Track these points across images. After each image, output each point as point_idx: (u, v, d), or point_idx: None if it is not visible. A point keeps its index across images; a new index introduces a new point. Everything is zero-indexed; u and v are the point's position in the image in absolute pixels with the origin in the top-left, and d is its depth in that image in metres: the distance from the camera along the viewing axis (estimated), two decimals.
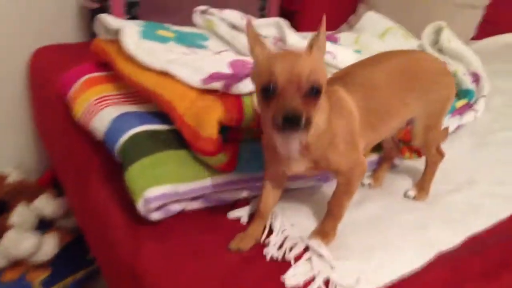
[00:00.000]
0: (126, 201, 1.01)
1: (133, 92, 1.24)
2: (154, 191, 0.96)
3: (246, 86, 1.01)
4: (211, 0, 1.59)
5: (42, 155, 1.98)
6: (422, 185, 1.14)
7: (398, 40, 1.70)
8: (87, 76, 1.32)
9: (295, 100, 0.78)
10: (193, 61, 1.13)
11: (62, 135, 1.47)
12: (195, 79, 1.04)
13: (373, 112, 0.97)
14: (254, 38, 0.85)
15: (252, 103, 1.02)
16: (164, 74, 1.09)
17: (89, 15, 1.83)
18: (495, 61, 1.79)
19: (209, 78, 1.03)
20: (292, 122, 0.77)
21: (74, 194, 1.36)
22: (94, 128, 1.16)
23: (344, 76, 1.00)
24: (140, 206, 0.96)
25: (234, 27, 1.42)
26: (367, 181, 1.17)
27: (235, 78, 1.00)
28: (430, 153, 1.13)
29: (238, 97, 1.01)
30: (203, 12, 1.47)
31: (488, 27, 2.01)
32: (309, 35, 0.99)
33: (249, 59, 1.12)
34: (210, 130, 0.96)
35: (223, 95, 1.01)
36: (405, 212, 1.06)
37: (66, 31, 1.91)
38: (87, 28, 1.90)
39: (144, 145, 1.02)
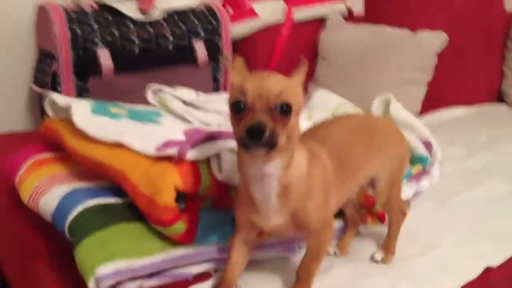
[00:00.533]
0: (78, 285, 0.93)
1: (83, 171, 1.19)
2: (106, 269, 0.89)
3: (202, 151, 0.98)
4: (164, 83, 1.60)
5: None
6: (388, 246, 1.13)
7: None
8: (35, 158, 1.27)
9: (261, 114, 0.77)
10: (147, 131, 1.10)
11: (4, 228, 1.38)
12: (149, 147, 1.01)
13: (342, 166, 0.98)
14: (235, 67, 0.87)
15: (209, 169, 0.99)
16: (116, 145, 1.06)
17: (38, 102, 1.79)
18: (442, 132, 1.84)
19: (163, 146, 1.00)
20: (253, 132, 0.76)
21: (18, 284, 1.26)
22: (42, 209, 1.09)
23: (312, 134, 1.00)
24: (91, 286, 0.88)
25: (187, 104, 1.42)
26: (332, 250, 1.13)
27: (190, 143, 0.97)
28: (393, 211, 1.13)
29: (194, 163, 0.98)
30: (156, 91, 1.47)
31: (431, 103, 2.10)
32: None
33: (203, 128, 1.11)
34: (166, 196, 0.92)
35: (178, 161, 0.98)
36: (373, 275, 1.04)
37: (14, 118, 1.86)
38: (36, 115, 1.86)
39: (95, 219, 0.97)
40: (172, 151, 0.97)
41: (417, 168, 1.42)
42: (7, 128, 1.82)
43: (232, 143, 1.01)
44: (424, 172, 1.42)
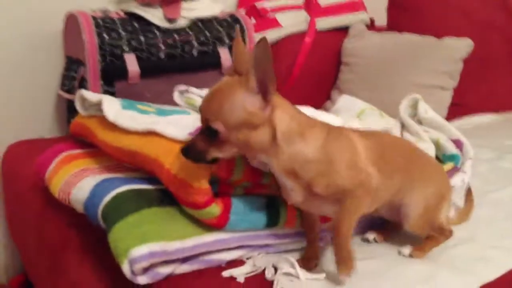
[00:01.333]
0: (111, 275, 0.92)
1: (115, 164, 1.18)
2: (140, 250, 0.88)
3: None
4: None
5: (15, 257, 1.84)
6: (423, 247, 1.08)
7: (375, 119, 1.73)
8: (64, 154, 1.27)
9: (197, 135, 0.89)
10: (178, 119, 1.10)
11: (34, 229, 1.38)
12: (182, 133, 1.00)
13: (382, 160, 0.98)
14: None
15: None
16: (149, 134, 1.06)
17: (65, 109, 1.81)
18: (470, 137, 1.81)
19: (196, 131, 0.99)
20: (181, 153, 0.89)
21: (47, 281, 1.25)
22: (74, 199, 1.09)
23: (360, 131, 1.02)
24: (125, 267, 0.87)
25: None
26: (372, 236, 1.11)
27: None
28: (425, 233, 1.09)
29: None
30: (183, 92, 1.47)
31: (457, 109, 2.08)
32: None
33: None
34: (200, 178, 0.91)
35: None
36: (412, 263, 1.02)
37: (41, 126, 1.88)
38: (63, 123, 1.88)
39: (129, 203, 0.96)
40: None
41: (449, 166, 1.40)
42: (34, 136, 1.84)
43: None
44: (456, 170, 1.40)
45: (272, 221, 1.01)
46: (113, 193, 0.99)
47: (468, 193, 1.28)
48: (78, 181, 1.11)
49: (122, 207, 0.95)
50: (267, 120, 0.87)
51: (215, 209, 0.94)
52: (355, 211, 0.94)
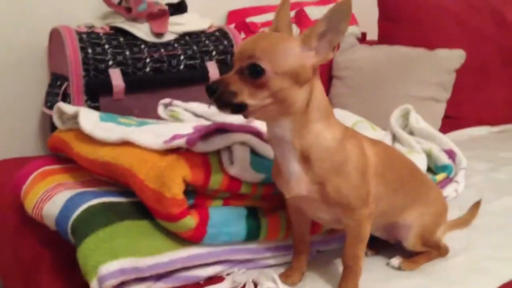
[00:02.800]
0: None
1: (91, 179, 1.14)
2: (110, 267, 0.83)
3: (212, 144, 0.93)
4: None
5: None
6: (415, 260, 1.04)
7: (367, 131, 1.69)
8: (41, 170, 1.22)
9: (229, 75, 0.80)
10: (154, 128, 1.06)
11: (10, 247, 1.33)
12: (157, 141, 0.96)
13: (389, 169, 0.95)
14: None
15: (220, 163, 0.93)
16: (123, 144, 1.01)
17: (50, 126, 1.77)
18: (465, 149, 1.77)
19: (171, 139, 0.95)
20: (206, 90, 0.79)
21: None
22: (46, 214, 1.04)
23: (368, 138, 0.98)
24: (94, 285, 0.82)
25: (198, 116, 1.38)
26: (398, 261, 1.03)
27: (199, 133, 0.92)
28: (420, 249, 1.05)
29: (204, 155, 0.93)
30: (167, 105, 1.44)
31: (451, 122, 2.04)
32: None
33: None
34: (175, 189, 0.86)
35: (187, 152, 0.92)
36: (407, 276, 0.98)
37: (26, 144, 1.84)
38: (47, 140, 1.83)
39: (100, 216, 0.91)
40: (180, 141, 0.92)
41: (441, 176, 1.35)
42: (19, 154, 1.80)
43: (245, 136, 0.96)
44: (449, 180, 1.35)
45: (252, 234, 0.96)
46: (84, 206, 0.94)
47: (476, 204, 1.24)
48: (51, 197, 1.06)
49: (92, 221, 0.90)
50: (310, 82, 0.83)
51: (191, 221, 0.89)
52: (360, 239, 0.92)
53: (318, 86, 0.86)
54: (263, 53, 0.79)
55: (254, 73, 0.79)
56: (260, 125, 1.11)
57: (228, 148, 0.95)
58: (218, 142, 0.93)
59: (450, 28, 2.14)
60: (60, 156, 1.28)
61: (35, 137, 1.87)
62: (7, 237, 1.31)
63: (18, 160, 1.75)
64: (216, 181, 0.92)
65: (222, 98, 0.80)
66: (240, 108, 0.81)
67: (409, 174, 1.04)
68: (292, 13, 2.15)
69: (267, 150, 0.98)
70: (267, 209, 1.01)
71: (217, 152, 0.94)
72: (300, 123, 0.84)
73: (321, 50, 0.82)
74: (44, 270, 1.07)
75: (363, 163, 0.89)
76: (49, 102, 1.69)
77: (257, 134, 0.98)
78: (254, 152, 0.98)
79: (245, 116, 0.84)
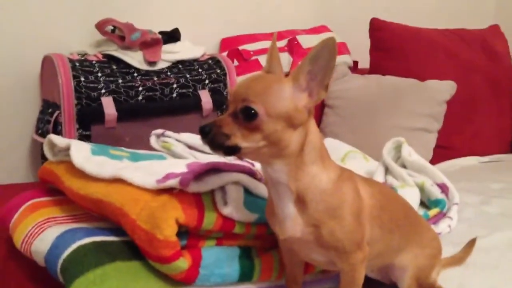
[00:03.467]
0: None
1: (82, 213, 1.12)
2: None
3: (205, 184, 0.92)
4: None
5: None
6: None
7: (359, 162, 1.69)
8: (31, 202, 1.21)
9: (223, 117, 0.81)
10: (147, 165, 1.05)
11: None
12: (149, 180, 0.95)
13: (385, 211, 0.95)
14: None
15: (213, 203, 0.92)
16: (115, 181, 1.00)
17: (40, 154, 1.76)
18: (455, 180, 1.78)
19: (164, 178, 0.94)
20: (200, 132, 0.80)
21: None
22: (35, 251, 1.02)
23: (362, 177, 0.98)
24: None
25: (191, 148, 1.38)
26: None
27: (192, 173, 0.91)
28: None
29: (197, 195, 0.92)
30: (159, 135, 1.43)
31: (442, 152, 2.05)
32: None
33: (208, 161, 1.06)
34: (167, 230, 0.85)
35: (180, 193, 0.91)
36: None
37: (15, 171, 1.81)
38: (37, 168, 1.82)
39: (90, 257, 0.90)
40: (173, 182, 0.91)
41: (434, 211, 1.35)
42: (9, 181, 1.78)
43: (238, 176, 0.96)
44: (442, 215, 1.35)
45: (245, 275, 0.95)
46: (74, 246, 0.93)
47: (471, 242, 1.24)
48: (41, 232, 1.04)
49: (82, 261, 0.89)
50: (304, 124, 0.82)
51: (183, 263, 0.87)
52: (355, 283, 0.91)
53: (313, 127, 0.85)
54: (256, 96, 0.80)
55: (247, 116, 0.79)
56: (254, 163, 1.11)
57: (222, 188, 0.94)
58: (211, 182, 0.93)
59: (441, 59, 2.17)
60: (50, 187, 1.27)
61: (24, 164, 1.85)
62: None
63: (6, 187, 1.73)
64: (210, 221, 0.91)
65: (215, 141, 0.80)
66: (233, 150, 0.81)
67: (405, 215, 1.03)
68: (285, 42, 2.16)
69: (260, 189, 0.97)
70: (260, 249, 1.00)
71: (211, 192, 0.94)
72: (295, 166, 0.83)
73: (313, 91, 0.82)
74: None
75: (358, 206, 0.89)
76: (40, 129, 1.68)
77: (251, 173, 0.98)
78: (247, 191, 0.97)
79: (239, 158, 0.84)
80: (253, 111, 0.79)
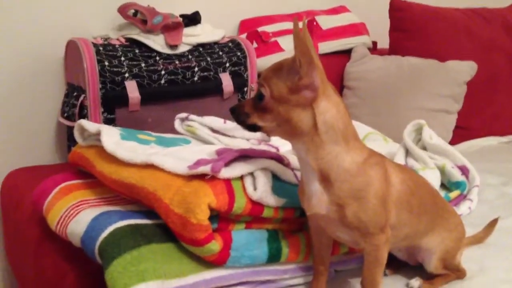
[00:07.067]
0: None
1: (114, 196, 1.16)
2: None
3: (235, 170, 0.96)
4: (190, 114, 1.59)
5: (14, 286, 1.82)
6: (433, 282, 1.07)
7: (379, 143, 1.71)
8: (63, 185, 1.25)
9: (248, 99, 0.93)
10: (176, 151, 1.08)
11: (31, 261, 1.36)
12: (181, 166, 0.98)
13: (414, 196, 0.98)
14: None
15: (243, 189, 0.96)
16: (147, 167, 1.03)
17: (65, 136, 1.80)
18: (475, 161, 1.79)
19: (195, 164, 0.97)
20: (230, 110, 0.92)
21: None
22: (71, 233, 1.07)
23: (396, 164, 1.03)
24: None
25: (215, 131, 1.40)
26: (417, 283, 1.06)
27: (223, 160, 0.94)
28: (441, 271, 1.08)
29: (228, 181, 0.95)
30: (183, 119, 1.46)
31: (462, 132, 2.06)
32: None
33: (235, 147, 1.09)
34: (200, 215, 0.89)
35: (211, 179, 0.95)
36: None
37: (42, 153, 1.86)
38: (63, 150, 1.86)
39: (127, 239, 0.93)
40: (205, 168, 0.95)
41: (455, 194, 1.37)
42: (35, 163, 1.82)
43: (267, 162, 0.99)
44: (462, 197, 1.37)
45: (273, 256, 0.99)
46: (110, 228, 0.97)
47: (492, 222, 1.26)
48: (76, 214, 1.08)
49: (119, 243, 0.93)
50: (309, 104, 0.86)
51: (215, 246, 0.91)
52: (378, 263, 0.94)
53: (325, 104, 0.87)
54: (265, 79, 0.88)
55: (258, 98, 0.88)
56: (281, 147, 1.14)
57: (251, 174, 0.98)
58: (241, 168, 0.96)
59: (462, 39, 2.16)
60: (79, 169, 1.30)
61: (51, 146, 1.89)
62: (28, 252, 1.34)
63: (34, 169, 1.78)
64: (240, 206, 0.94)
65: (238, 119, 0.91)
66: (254, 128, 0.90)
67: (432, 201, 1.06)
68: None
69: (288, 175, 1.00)
70: (287, 231, 1.04)
71: (240, 178, 0.97)
72: (313, 144, 0.87)
73: (303, 71, 0.85)
74: (66, 286, 1.10)
75: (384, 190, 0.91)
76: (66, 113, 1.71)
77: (279, 159, 1.01)
78: (275, 177, 1.00)
79: (267, 135, 0.93)
80: (261, 94, 0.87)
